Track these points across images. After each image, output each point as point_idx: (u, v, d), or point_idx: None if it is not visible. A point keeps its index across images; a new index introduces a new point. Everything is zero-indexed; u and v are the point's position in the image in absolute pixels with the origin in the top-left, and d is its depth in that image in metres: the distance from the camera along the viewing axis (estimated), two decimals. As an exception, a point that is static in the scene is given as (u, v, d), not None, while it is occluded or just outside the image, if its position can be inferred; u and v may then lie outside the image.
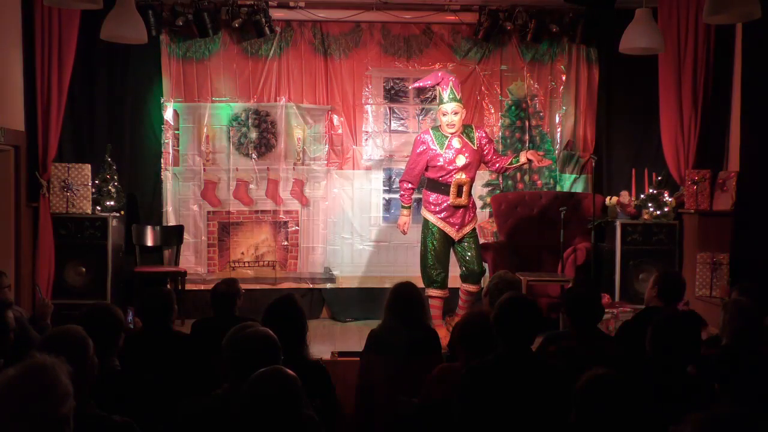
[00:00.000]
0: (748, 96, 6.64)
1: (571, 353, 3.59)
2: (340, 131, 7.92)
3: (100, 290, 6.90)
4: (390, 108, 8.03)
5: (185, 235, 7.69)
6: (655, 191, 7.33)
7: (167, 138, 7.73)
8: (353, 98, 7.92)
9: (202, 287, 7.44)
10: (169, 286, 7.14)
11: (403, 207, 6.80)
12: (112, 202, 7.15)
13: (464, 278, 6.66)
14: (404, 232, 6.88)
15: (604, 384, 2.51)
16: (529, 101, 8.04)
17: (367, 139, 7.97)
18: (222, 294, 4.51)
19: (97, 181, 7.14)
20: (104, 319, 3.23)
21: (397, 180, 7.88)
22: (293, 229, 7.90)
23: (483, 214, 7.95)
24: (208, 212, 7.82)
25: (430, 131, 6.61)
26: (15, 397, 1.99)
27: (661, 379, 3.07)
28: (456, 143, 6.49)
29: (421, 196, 6.88)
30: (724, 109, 7.26)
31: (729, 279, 6.53)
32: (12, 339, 3.52)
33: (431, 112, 7.92)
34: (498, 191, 7.95)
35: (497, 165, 6.75)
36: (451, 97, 6.48)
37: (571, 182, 8.03)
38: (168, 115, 7.73)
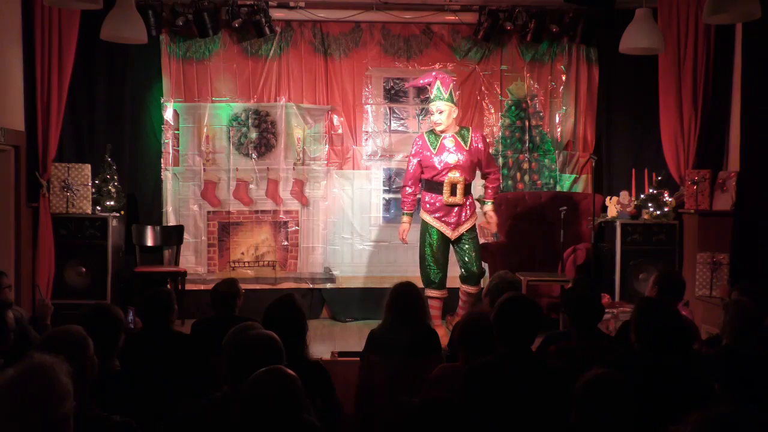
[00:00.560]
0: (748, 96, 6.64)
1: (571, 353, 3.59)
2: (340, 131, 7.92)
3: (100, 290, 6.90)
4: (390, 108, 8.03)
5: (185, 235, 7.69)
6: (655, 191, 7.33)
7: (167, 138, 7.73)
8: (353, 98, 7.92)
9: (202, 287, 7.44)
10: (169, 286, 7.15)
11: (403, 214, 6.84)
12: (112, 202, 7.15)
13: (463, 279, 6.67)
14: (404, 240, 6.89)
15: (604, 384, 2.51)
16: (529, 101, 8.04)
17: (367, 139, 7.97)
18: (222, 294, 4.51)
19: (97, 181, 7.14)
20: (104, 319, 3.23)
21: (398, 180, 7.92)
22: (293, 229, 7.90)
23: (483, 214, 7.93)
24: (208, 212, 7.82)
25: (425, 134, 6.74)
26: (15, 397, 1.99)
27: (653, 372, 3.09)
28: (448, 143, 6.56)
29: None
30: (724, 109, 7.26)
31: (729, 279, 6.53)
32: (12, 339, 3.53)
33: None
34: (498, 191, 7.93)
35: (489, 185, 6.86)
36: (437, 95, 6.58)
37: (571, 182, 8.03)
38: (168, 115, 7.73)
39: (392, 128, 8.02)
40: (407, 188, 6.77)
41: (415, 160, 6.71)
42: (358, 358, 4.40)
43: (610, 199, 7.49)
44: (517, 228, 7.62)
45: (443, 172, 6.53)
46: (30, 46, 6.68)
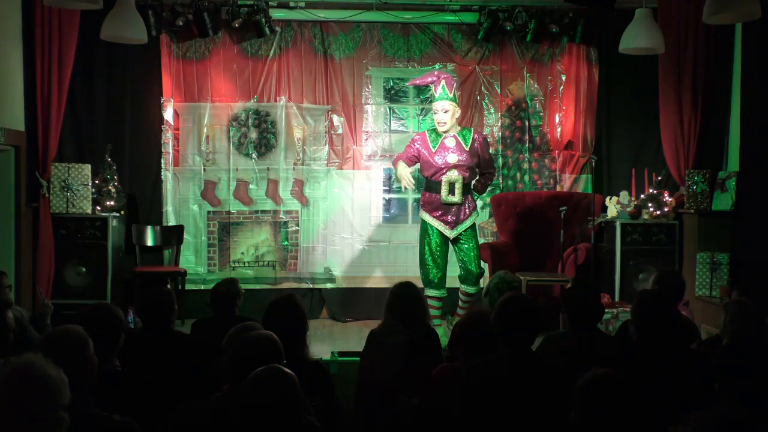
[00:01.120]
0: (748, 96, 6.64)
1: (571, 353, 3.59)
2: (340, 131, 7.92)
3: (100, 290, 6.90)
4: (390, 108, 8.03)
5: (185, 235, 7.69)
6: (655, 191, 7.33)
7: (167, 138, 7.73)
8: (353, 98, 7.92)
9: (202, 287, 7.44)
10: (169, 286, 7.14)
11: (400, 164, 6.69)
12: (112, 202, 7.15)
13: (462, 279, 6.68)
14: (408, 183, 6.65)
15: (604, 384, 2.51)
16: (529, 101, 8.04)
17: (367, 139, 7.97)
18: (222, 294, 4.51)
19: (97, 181, 7.14)
20: (104, 319, 3.23)
21: (398, 180, 7.93)
22: (293, 229, 7.90)
23: (483, 214, 7.95)
24: (208, 212, 7.82)
25: (426, 132, 6.73)
26: (11, 396, 1.99)
27: (650, 365, 3.12)
28: (448, 142, 6.56)
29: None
30: (724, 109, 7.26)
31: (729, 279, 6.54)
32: (12, 339, 3.53)
33: (431, 111, 7.92)
34: (498, 191, 7.94)
35: (481, 180, 6.81)
36: (441, 95, 6.55)
37: (571, 182, 8.03)
38: (168, 115, 7.73)
39: (392, 128, 8.02)
40: (404, 158, 6.72)
41: (412, 146, 6.66)
42: (358, 358, 4.40)
43: (610, 199, 7.49)
44: (517, 228, 7.62)
45: (442, 171, 6.53)
46: (30, 46, 6.67)
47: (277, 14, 7.65)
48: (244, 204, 7.85)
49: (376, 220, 7.99)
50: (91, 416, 2.49)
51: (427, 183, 6.66)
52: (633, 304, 3.43)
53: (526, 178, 8.03)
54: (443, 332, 6.09)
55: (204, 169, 7.80)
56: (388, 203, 8.02)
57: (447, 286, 6.73)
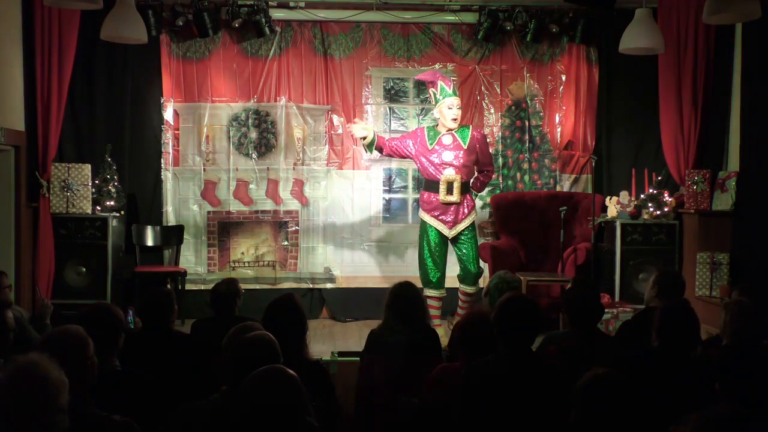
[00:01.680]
0: (748, 96, 6.64)
1: (571, 353, 3.59)
2: (340, 131, 7.92)
3: (100, 290, 6.90)
4: (390, 108, 8.03)
5: (185, 235, 7.69)
6: (655, 191, 7.33)
7: (167, 138, 7.73)
8: (353, 98, 7.92)
9: (202, 287, 7.44)
10: (169, 286, 7.15)
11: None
12: (112, 202, 7.15)
13: (461, 279, 6.68)
14: (359, 129, 6.72)
15: (604, 384, 2.51)
16: (529, 101, 8.04)
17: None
18: (222, 294, 4.51)
19: (97, 181, 7.14)
20: (104, 319, 3.23)
21: (398, 180, 7.97)
22: (293, 229, 7.90)
23: (483, 214, 7.95)
24: (208, 212, 7.82)
25: (425, 129, 6.75)
26: (8, 395, 1.99)
27: (668, 370, 3.11)
28: (446, 140, 6.57)
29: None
30: (724, 109, 7.26)
31: (729, 279, 6.54)
32: (12, 339, 3.52)
33: (431, 111, 7.93)
34: (498, 191, 7.95)
35: (480, 177, 6.81)
36: (449, 92, 6.61)
37: (571, 182, 8.03)
38: (168, 115, 7.73)
39: (392, 128, 8.02)
40: (389, 140, 6.79)
41: (410, 136, 6.74)
42: (358, 358, 4.40)
43: (610, 199, 7.49)
44: (517, 228, 7.62)
45: (439, 169, 6.53)
46: (30, 46, 6.68)
47: (277, 14, 7.65)
48: (244, 204, 7.85)
49: (376, 220, 7.99)
50: (91, 416, 2.48)
51: (426, 182, 6.67)
52: (659, 312, 3.40)
53: (526, 178, 8.03)
54: (443, 332, 6.09)
55: (204, 169, 7.80)
56: (388, 203, 8.02)
57: (447, 286, 6.73)
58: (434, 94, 6.70)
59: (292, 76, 7.85)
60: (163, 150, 7.73)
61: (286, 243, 7.88)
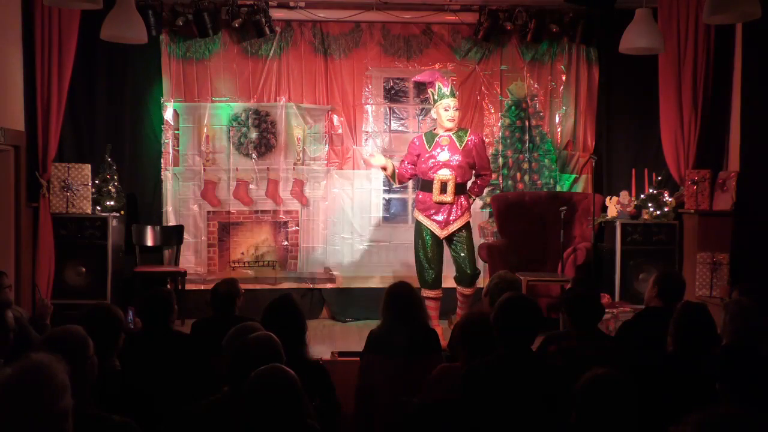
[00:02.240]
0: (748, 96, 6.64)
1: (571, 353, 3.59)
2: (340, 131, 7.92)
3: (100, 290, 6.90)
4: (390, 108, 8.03)
5: (185, 235, 7.69)
6: (655, 191, 7.33)
7: (167, 138, 7.73)
8: (353, 98, 7.92)
9: (202, 287, 7.44)
10: (169, 286, 7.15)
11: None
12: (112, 202, 7.15)
13: (457, 281, 6.69)
14: (366, 160, 6.89)
15: (604, 384, 2.51)
16: (529, 101, 8.04)
17: (367, 139, 7.97)
18: (222, 294, 4.51)
19: (97, 181, 7.14)
20: (104, 319, 3.23)
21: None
22: (293, 229, 7.90)
23: (483, 214, 7.96)
24: (208, 212, 7.82)
25: (423, 136, 6.76)
26: (13, 396, 1.99)
27: (681, 372, 3.11)
28: (443, 141, 6.59)
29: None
30: (724, 109, 7.26)
31: (729, 279, 6.53)
32: (12, 339, 3.52)
33: (431, 112, 7.94)
34: (498, 191, 7.94)
35: (477, 181, 6.81)
36: (452, 92, 6.62)
37: (571, 182, 8.03)
38: (168, 115, 7.73)
39: (392, 128, 8.02)
40: (405, 163, 6.81)
41: (413, 148, 6.76)
42: (358, 358, 4.40)
43: (610, 199, 7.49)
44: (517, 228, 7.62)
45: (434, 169, 6.54)
46: (30, 46, 6.68)
47: (277, 14, 7.65)
48: (244, 204, 7.85)
49: (376, 220, 7.99)
50: (91, 416, 2.48)
51: (422, 183, 6.69)
52: (676, 315, 3.39)
53: (526, 178, 8.03)
54: (442, 331, 6.09)
55: (204, 169, 7.80)
56: (388, 203, 8.02)
57: (444, 286, 6.73)
58: (432, 95, 6.71)
59: (292, 76, 7.85)
60: (163, 150, 7.73)
61: (286, 243, 7.88)
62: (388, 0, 7.54)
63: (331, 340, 6.75)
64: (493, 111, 8.03)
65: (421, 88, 7.78)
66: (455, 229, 6.58)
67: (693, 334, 3.30)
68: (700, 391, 2.94)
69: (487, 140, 7.94)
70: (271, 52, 7.80)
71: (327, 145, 7.92)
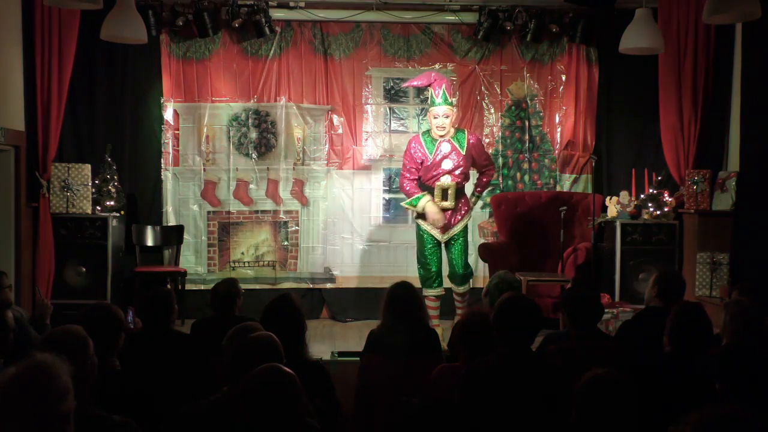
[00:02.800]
0: (748, 96, 6.65)
1: (571, 353, 3.59)
2: (340, 131, 7.93)
3: (100, 290, 6.90)
4: (390, 108, 8.03)
5: (185, 235, 7.69)
6: (655, 191, 7.33)
7: (167, 138, 7.73)
8: (353, 98, 7.92)
9: (202, 287, 7.44)
10: (169, 286, 7.14)
11: (418, 199, 6.49)
12: (112, 202, 7.15)
13: (450, 279, 6.70)
14: (442, 219, 6.48)
15: (604, 384, 2.51)
16: (529, 101, 8.04)
17: (367, 139, 7.97)
18: (222, 294, 4.51)
19: (97, 181, 7.14)
20: (104, 319, 3.22)
21: (397, 180, 7.89)
22: (293, 229, 7.90)
23: (483, 214, 7.96)
24: (208, 212, 7.82)
25: (420, 136, 6.63)
26: (16, 395, 1.99)
27: (680, 374, 3.11)
28: (445, 147, 6.50)
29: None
30: (724, 109, 7.27)
31: (729, 279, 6.54)
32: (12, 339, 3.52)
33: (427, 114, 7.95)
34: (498, 191, 7.94)
35: (482, 179, 6.82)
36: (443, 99, 6.48)
37: (571, 182, 8.03)
38: (168, 115, 7.73)
39: (392, 128, 8.02)
40: (407, 180, 6.59)
41: (414, 155, 6.54)
42: (358, 358, 4.40)
43: (610, 199, 7.49)
44: (517, 228, 7.62)
45: (437, 176, 6.51)
46: (30, 46, 6.68)
47: (277, 14, 7.65)
48: (244, 204, 7.85)
49: (376, 220, 7.99)
50: (91, 416, 2.48)
51: (422, 187, 6.63)
52: (672, 315, 3.39)
53: (526, 178, 8.03)
54: (441, 332, 6.08)
55: (204, 169, 7.81)
56: (388, 203, 8.02)
57: (445, 285, 6.74)
58: (431, 96, 6.64)
59: (292, 76, 7.85)
60: (163, 150, 7.73)
61: (286, 243, 7.89)
62: (388, 0, 7.54)
63: (331, 340, 6.75)
64: (493, 111, 8.03)
65: (420, 88, 7.77)
66: (455, 232, 6.59)
67: (689, 335, 3.30)
68: (700, 391, 2.94)
69: (487, 140, 7.95)
70: (271, 52, 7.80)
71: (327, 145, 7.92)
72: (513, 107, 8.04)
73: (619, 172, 7.89)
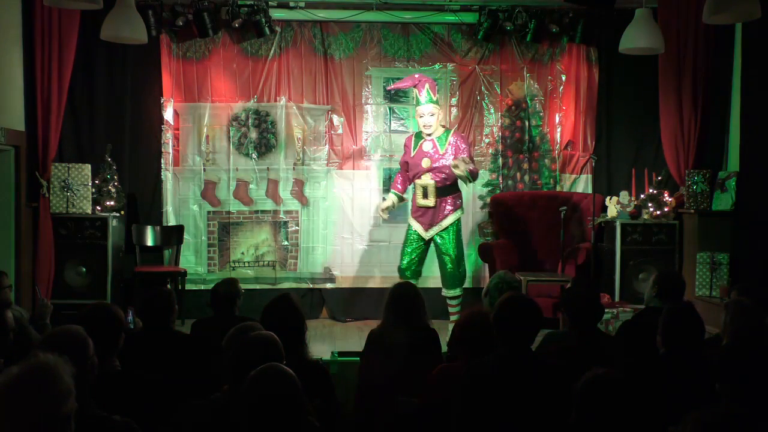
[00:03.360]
0: (748, 96, 6.65)
1: (571, 353, 3.59)
2: (340, 131, 7.93)
3: (100, 290, 6.90)
4: (390, 108, 8.03)
5: (185, 235, 7.69)
6: (655, 191, 7.33)
7: (167, 138, 7.73)
8: (353, 98, 7.92)
9: (202, 287, 7.44)
10: (169, 286, 7.14)
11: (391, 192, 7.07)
12: (112, 202, 7.15)
13: (442, 283, 6.81)
14: (381, 213, 7.09)
15: (604, 384, 2.51)
16: (529, 101, 8.04)
17: (367, 139, 7.97)
18: (222, 294, 4.51)
19: (97, 181, 7.14)
20: (104, 319, 3.22)
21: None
22: (293, 229, 7.90)
23: (483, 214, 7.96)
24: (208, 212, 7.82)
25: (413, 134, 6.91)
26: (17, 396, 1.99)
27: (677, 375, 3.11)
28: (426, 146, 6.72)
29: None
30: (724, 109, 7.27)
31: (729, 279, 6.54)
32: (12, 339, 3.52)
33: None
34: (498, 191, 7.95)
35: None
36: (427, 99, 6.68)
37: (571, 182, 8.03)
38: (168, 115, 7.73)
39: (392, 128, 8.02)
40: (397, 175, 7.10)
41: (403, 157, 6.98)
42: (358, 358, 4.40)
43: (610, 199, 7.50)
44: (517, 228, 7.62)
45: (417, 176, 6.72)
46: (30, 46, 6.68)
47: (277, 14, 7.65)
48: (244, 204, 7.85)
49: (376, 220, 7.98)
50: (91, 416, 2.48)
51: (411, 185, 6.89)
52: (663, 317, 3.39)
53: (526, 178, 8.03)
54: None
55: (204, 169, 7.80)
56: (388, 203, 8.01)
57: (427, 286, 6.83)
58: (416, 96, 6.84)
59: (292, 76, 7.85)
60: (163, 150, 7.73)
61: (286, 243, 7.88)
62: (388, 0, 7.54)
63: (331, 340, 6.75)
64: (493, 111, 8.03)
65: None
66: (440, 230, 6.67)
67: (682, 335, 3.30)
68: (699, 391, 2.95)
69: (487, 140, 7.96)
70: (271, 52, 7.80)
71: (327, 145, 7.92)
72: (513, 107, 8.04)
73: (619, 172, 7.89)
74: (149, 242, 7.61)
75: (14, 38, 6.61)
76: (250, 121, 7.81)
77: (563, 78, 8.02)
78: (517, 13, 7.62)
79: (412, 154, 6.76)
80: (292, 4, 7.62)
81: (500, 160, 7.97)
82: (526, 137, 8.02)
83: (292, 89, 7.86)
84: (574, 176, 8.03)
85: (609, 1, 7.44)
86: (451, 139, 6.72)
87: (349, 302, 7.84)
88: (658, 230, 7.24)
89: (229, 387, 2.82)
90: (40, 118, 6.74)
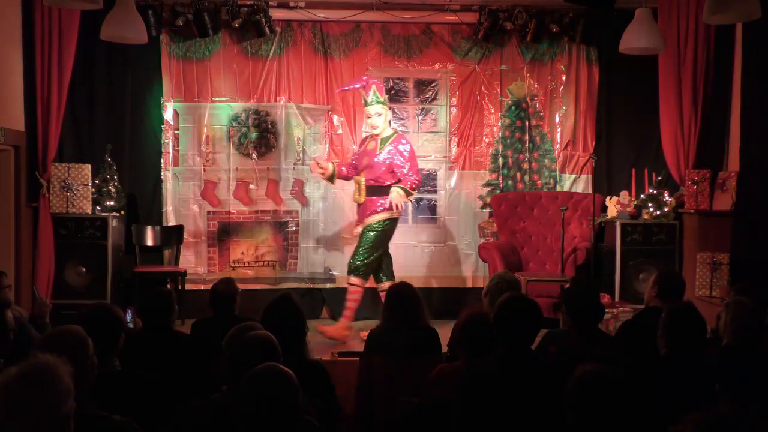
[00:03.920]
0: (748, 96, 6.64)
1: (571, 353, 3.59)
2: (340, 131, 7.92)
3: (100, 290, 6.90)
4: (390, 108, 8.01)
5: (185, 235, 7.69)
6: (655, 191, 7.33)
7: (167, 138, 7.73)
8: (353, 98, 7.92)
9: (202, 287, 7.43)
10: (169, 286, 7.14)
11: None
12: (112, 202, 7.15)
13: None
14: (312, 167, 7.15)
15: (595, 380, 2.51)
16: (529, 101, 8.04)
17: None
18: (221, 293, 4.51)
19: (97, 181, 7.14)
20: (104, 319, 3.22)
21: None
22: (293, 229, 7.90)
23: (483, 214, 7.96)
24: (208, 212, 7.82)
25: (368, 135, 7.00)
26: (17, 396, 1.99)
27: (679, 376, 3.11)
28: (370, 145, 6.79)
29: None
30: (724, 109, 7.26)
31: (729, 279, 6.53)
32: (12, 339, 3.53)
33: (431, 112, 7.96)
34: (498, 191, 7.95)
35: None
36: (373, 99, 6.72)
37: (571, 182, 8.03)
38: (168, 115, 7.73)
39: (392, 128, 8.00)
40: (343, 166, 7.11)
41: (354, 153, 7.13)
42: (358, 358, 4.40)
43: (610, 199, 7.50)
44: (517, 228, 7.63)
45: (358, 171, 6.82)
46: (30, 46, 6.68)
47: (277, 14, 7.65)
48: (244, 204, 7.85)
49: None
50: (91, 416, 2.48)
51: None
52: (663, 318, 3.39)
53: (526, 178, 8.03)
54: (344, 325, 6.66)
55: (204, 169, 7.80)
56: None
57: (369, 285, 6.87)
58: (363, 98, 6.85)
59: (292, 76, 7.85)
60: (163, 150, 7.73)
61: (286, 243, 7.88)
62: (388, 0, 7.54)
63: (331, 340, 6.74)
64: (493, 111, 8.03)
65: (420, 87, 7.87)
66: (364, 227, 6.73)
67: (683, 336, 3.29)
68: (699, 391, 2.94)
69: (487, 140, 7.96)
70: (271, 52, 7.80)
71: (327, 145, 7.92)
72: (513, 107, 8.04)
73: (619, 172, 7.89)
74: (149, 242, 7.61)
75: (14, 38, 6.61)
76: (250, 121, 7.81)
77: (563, 78, 8.02)
78: (517, 13, 7.62)
79: (359, 150, 6.92)
80: (292, 4, 7.62)
81: (500, 160, 7.97)
82: (526, 137, 8.02)
83: (292, 89, 7.85)
84: (574, 176, 8.03)
85: (609, 1, 7.44)
86: (389, 146, 6.68)
87: (349, 302, 7.82)
88: (658, 230, 7.24)
89: (228, 387, 2.82)
90: (40, 118, 6.74)
